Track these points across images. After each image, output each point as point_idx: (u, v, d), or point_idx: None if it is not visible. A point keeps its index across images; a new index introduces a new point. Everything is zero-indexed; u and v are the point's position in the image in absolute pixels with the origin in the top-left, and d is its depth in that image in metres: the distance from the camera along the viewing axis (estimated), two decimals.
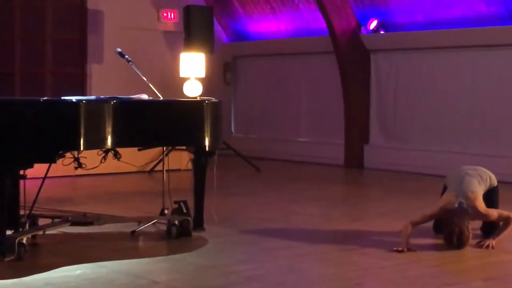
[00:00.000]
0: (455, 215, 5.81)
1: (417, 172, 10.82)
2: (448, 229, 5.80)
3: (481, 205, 5.94)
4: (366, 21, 11.82)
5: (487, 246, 5.85)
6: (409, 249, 5.77)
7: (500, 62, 10.38)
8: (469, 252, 5.82)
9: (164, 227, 6.40)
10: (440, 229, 6.16)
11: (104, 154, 6.05)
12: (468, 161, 10.32)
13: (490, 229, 6.11)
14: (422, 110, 11.30)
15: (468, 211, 5.85)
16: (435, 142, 11.06)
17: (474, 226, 6.11)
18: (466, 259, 5.61)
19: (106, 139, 5.64)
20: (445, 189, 6.29)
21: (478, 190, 6.04)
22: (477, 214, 5.90)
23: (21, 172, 5.62)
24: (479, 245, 5.89)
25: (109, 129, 5.63)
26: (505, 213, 6.01)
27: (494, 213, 5.98)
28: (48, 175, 5.86)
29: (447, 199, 6.00)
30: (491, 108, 10.46)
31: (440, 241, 6.04)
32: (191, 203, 6.54)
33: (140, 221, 6.52)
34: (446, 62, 11.00)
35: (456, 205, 5.87)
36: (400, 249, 5.76)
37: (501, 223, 5.98)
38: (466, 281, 4.99)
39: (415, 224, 6.00)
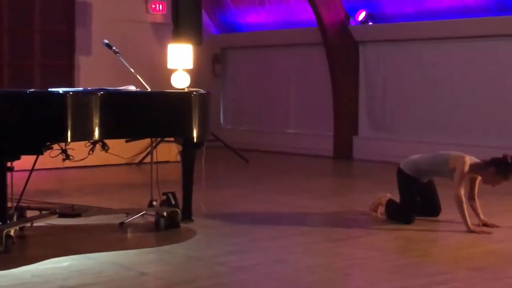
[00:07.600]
0: (481, 164, 6.15)
1: None
2: (502, 167, 6.04)
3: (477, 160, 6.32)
4: (354, 12, 11.83)
5: (491, 225, 6.24)
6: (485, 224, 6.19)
7: (487, 53, 10.40)
8: (455, 242, 5.86)
9: (152, 219, 6.40)
10: (395, 216, 6.55)
11: (91, 146, 6.04)
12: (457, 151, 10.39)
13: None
14: (410, 101, 11.32)
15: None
16: (424, 133, 11.09)
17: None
18: (452, 249, 5.63)
19: (93, 130, 5.63)
20: (410, 178, 6.56)
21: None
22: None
23: (8, 164, 5.59)
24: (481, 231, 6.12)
25: (96, 120, 5.62)
26: None
27: None
28: (36, 167, 5.84)
29: (462, 162, 6.16)
30: (479, 99, 10.48)
31: (425, 228, 6.08)
32: (179, 195, 6.54)
33: (128, 212, 6.51)
34: (435, 53, 11.02)
35: (472, 160, 6.20)
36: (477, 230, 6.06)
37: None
38: (452, 271, 5.02)
39: (462, 192, 6.14)
